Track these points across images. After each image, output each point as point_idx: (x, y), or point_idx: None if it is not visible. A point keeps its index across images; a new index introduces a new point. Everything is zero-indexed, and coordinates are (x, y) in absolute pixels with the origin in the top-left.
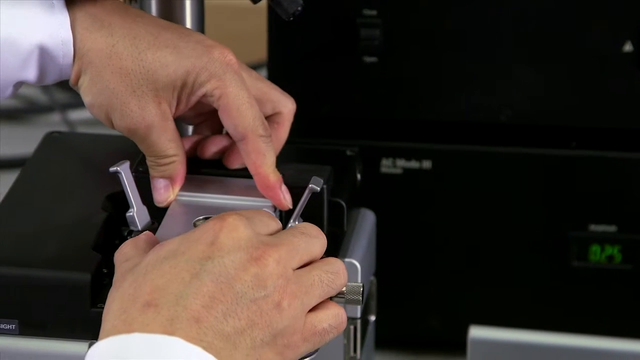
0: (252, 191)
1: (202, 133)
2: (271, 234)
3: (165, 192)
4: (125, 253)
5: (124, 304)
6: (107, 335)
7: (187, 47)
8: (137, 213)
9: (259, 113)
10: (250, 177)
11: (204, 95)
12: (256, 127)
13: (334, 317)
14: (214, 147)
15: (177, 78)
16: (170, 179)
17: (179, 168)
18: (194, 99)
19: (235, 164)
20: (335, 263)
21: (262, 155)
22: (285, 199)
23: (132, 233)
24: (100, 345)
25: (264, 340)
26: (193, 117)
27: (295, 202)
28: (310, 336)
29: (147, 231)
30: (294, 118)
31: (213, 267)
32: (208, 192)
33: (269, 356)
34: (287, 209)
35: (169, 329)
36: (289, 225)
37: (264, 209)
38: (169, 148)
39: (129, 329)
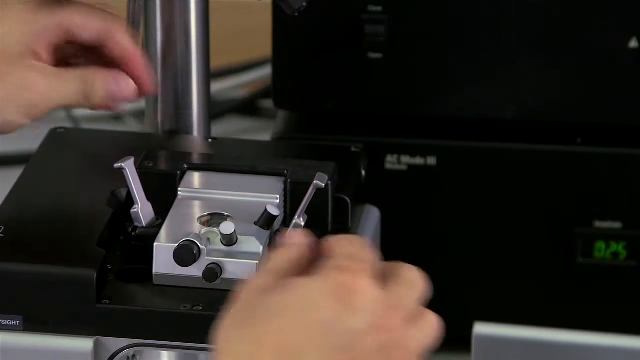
0: (257, 187)
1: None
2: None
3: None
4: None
5: (252, 347)
6: None
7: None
8: (142, 209)
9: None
10: (255, 173)
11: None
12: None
13: None
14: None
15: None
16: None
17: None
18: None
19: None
20: (432, 323)
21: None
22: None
23: (136, 229)
24: None
25: None
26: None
27: (300, 198)
28: None
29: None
30: (298, 114)
31: (341, 339)
32: (213, 187)
33: None
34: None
35: None
36: (294, 221)
37: (270, 204)
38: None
39: None
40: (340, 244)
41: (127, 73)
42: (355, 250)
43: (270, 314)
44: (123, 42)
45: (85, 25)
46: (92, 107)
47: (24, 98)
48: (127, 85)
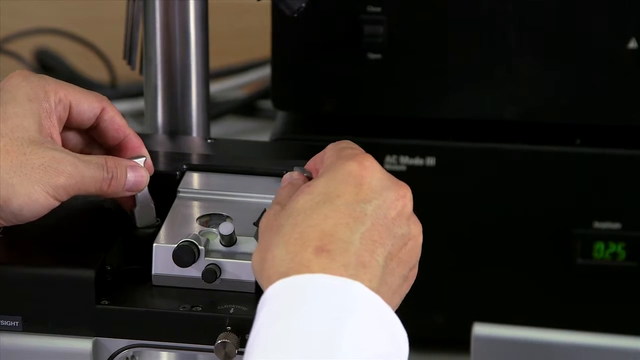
0: (257, 187)
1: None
2: None
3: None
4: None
5: (292, 247)
6: (285, 277)
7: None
8: (142, 209)
9: None
10: (254, 173)
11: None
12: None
13: None
14: None
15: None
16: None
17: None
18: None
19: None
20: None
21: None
22: None
23: (136, 229)
24: (284, 283)
25: (404, 275)
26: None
27: None
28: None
29: (301, 175)
30: (297, 115)
31: (372, 211)
32: (212, 188)
33: (403, 290)
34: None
35: (345, 275)
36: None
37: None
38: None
39: (308, 271)
40: (333, 145)
41: (125, 152)
42: (347, 143)
43: (301, 216)
44: (118, 119)
45: (83, 101)
46: (110, 195)
47: (53, 179)
48: (145, 174)
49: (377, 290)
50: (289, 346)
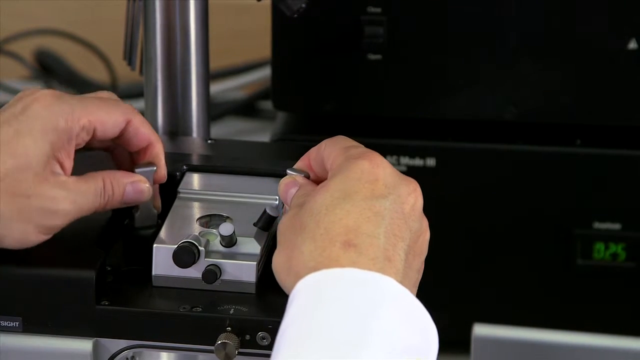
0: (257, 188)
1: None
2: None
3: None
4: (299, 196)
5: (319, 243)
6: (314, 271)
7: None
8: (143, 210)
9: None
10: (254, 174)
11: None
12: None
13: None
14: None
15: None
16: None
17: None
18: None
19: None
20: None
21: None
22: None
23: (136, 230)
24: (314, 277)
25: (418, 268)
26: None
27: None
28: None
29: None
30: (298, 116)
31: (391, 205)
32: (212, 189)
33: (416, 285)
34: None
35: (373, 269)
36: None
37: (269, 205)
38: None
39: (338, 265)
40: (331, 144)
41: (143, 156)
42: (347, 141)
43: (323, 212)
44: (143, 130)
45: (108, 121)
46: (105, 210)
47: (49, 221)
48: (146, 190)
49: (402, 284)
50: (321, 339)
